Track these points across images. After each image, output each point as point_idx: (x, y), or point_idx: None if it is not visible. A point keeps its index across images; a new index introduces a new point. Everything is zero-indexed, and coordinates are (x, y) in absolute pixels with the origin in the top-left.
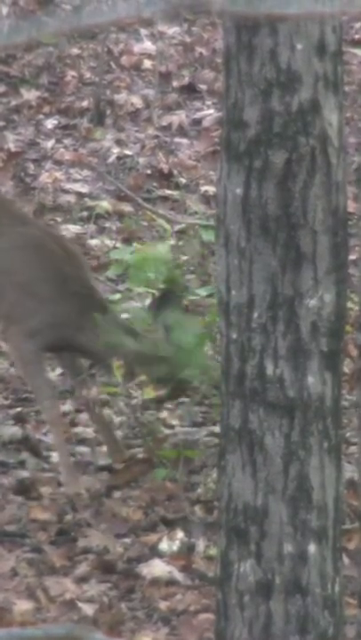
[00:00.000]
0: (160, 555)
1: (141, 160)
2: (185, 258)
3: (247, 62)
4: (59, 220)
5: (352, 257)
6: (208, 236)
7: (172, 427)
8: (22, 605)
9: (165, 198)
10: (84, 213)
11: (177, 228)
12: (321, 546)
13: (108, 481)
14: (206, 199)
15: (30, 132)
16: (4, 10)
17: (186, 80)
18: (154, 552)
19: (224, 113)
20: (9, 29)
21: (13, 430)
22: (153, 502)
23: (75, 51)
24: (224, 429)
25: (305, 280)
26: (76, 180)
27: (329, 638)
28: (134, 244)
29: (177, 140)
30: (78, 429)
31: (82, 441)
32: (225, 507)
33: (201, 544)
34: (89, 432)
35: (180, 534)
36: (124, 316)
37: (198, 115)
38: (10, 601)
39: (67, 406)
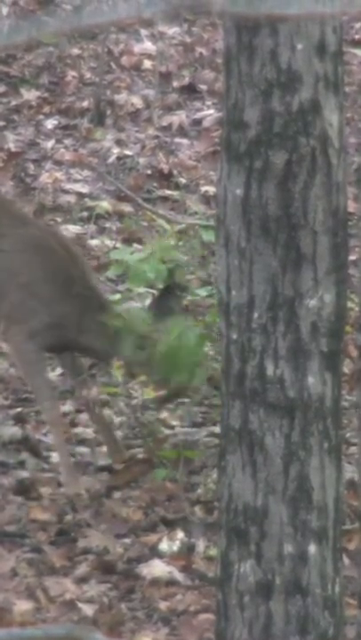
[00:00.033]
0: (160, 555)
1: (141, 160)
2: (185, 258)
3: (248, 63)
4: (59, 220)
5: (352, 257)
6: (208, 237)
7: (172, 427)
8: (22, 606)
9: (165, 198)
10: (84, 214)
11: (177, 228)
12: (321, 546)
13: (108, 481)
14: (206, 199)
15: (30, 132)
16: (4, 10)
17: (186, 80)
18: (154, 552)
19: (224, 113)
20: (9, 29)
21: (13, 430)
22: (153, 503)
23: (75, 51)
24: (224, 430)
25: (305, 280)
26: (76, 181)
27: (329, 639)
28: (134, 245)
29: (177, 140)
30: (78, 430)
31: (82, 441)
32: (225, 507)
33: (201, 544)
34: (89, 432)
35: (180, 535)
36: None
37: (198, 115)
38: (10, 601)
39: (67, 406)
